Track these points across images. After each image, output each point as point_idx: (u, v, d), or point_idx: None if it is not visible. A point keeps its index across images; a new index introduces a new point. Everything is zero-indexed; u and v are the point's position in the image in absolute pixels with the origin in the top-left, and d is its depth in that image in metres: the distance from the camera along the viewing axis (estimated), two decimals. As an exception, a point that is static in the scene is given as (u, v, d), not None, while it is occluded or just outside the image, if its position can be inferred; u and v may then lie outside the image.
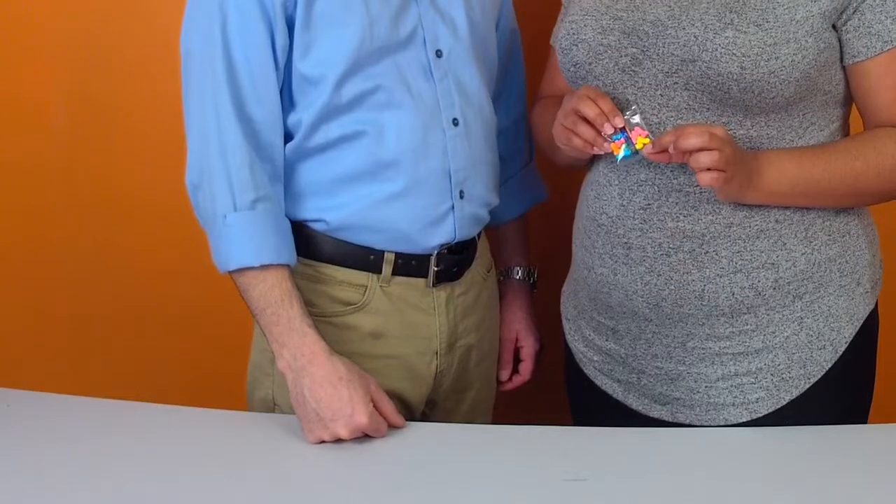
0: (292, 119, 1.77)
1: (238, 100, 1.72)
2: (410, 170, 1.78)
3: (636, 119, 1.66)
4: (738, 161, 1.62)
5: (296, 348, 1.71)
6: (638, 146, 1.66)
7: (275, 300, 1.72)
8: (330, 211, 1.80)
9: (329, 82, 1.74)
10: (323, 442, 1.67)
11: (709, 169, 1.59)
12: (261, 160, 1.74)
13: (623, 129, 1.66)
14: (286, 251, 1.75)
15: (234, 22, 1.71)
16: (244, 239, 1.73)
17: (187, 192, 1.77)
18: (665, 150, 1.63)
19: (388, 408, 1.72)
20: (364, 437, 1.69)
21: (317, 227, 1.82)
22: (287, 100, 1.77)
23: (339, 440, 1.67)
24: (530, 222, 2.13)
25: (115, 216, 2.48)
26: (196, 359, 2.50)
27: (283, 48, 1.74)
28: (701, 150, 1.59)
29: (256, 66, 1.72)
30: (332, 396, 1.67)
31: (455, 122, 1.82)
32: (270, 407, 1.86)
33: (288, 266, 1.74)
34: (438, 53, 1.81)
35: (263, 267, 1.72)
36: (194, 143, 1.75)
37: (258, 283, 1.73)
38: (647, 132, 1.66)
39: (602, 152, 1.70)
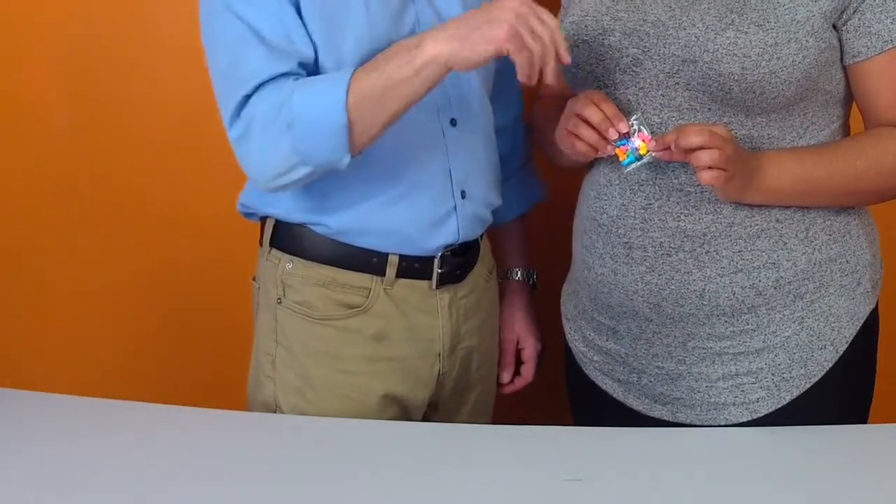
0: None
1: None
2: (411, 172, 1.78)
3: (639, 124, 1.67)
4: (739, 160, 1.62)
5: (430, 35, 1.63)
6: (642, 151, 1.66)
7: (381, 62, 1.66)
8: (331, 215, 1.79)
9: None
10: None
11: (710, 167, 1.59)
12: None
13: (627, 135, 1.67)
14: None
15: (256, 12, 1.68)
16: (322, 85, 1.67)
17: (235, 150, 1.71)
18: (667, 148, 1.63)
19: None
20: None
21: (318, 230, 1.81)
22: None
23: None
24: (530, 222, 2.12)
25: (116, 217, 2.48)
26: (196, 359, 2.50)
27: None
28: (702, 148, 1.59)
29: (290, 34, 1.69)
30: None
31: (453, 123, 1.82)
32: (272, 409, 1.85)
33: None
34: None
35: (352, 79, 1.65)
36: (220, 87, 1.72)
37: (358, 90, 1.64)
38: (650, 136, 1.66)
39: (606, 156, 1.70)
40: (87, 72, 2.43)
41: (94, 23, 2.41)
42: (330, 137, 1.64)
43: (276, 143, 1.66)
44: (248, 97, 1.67)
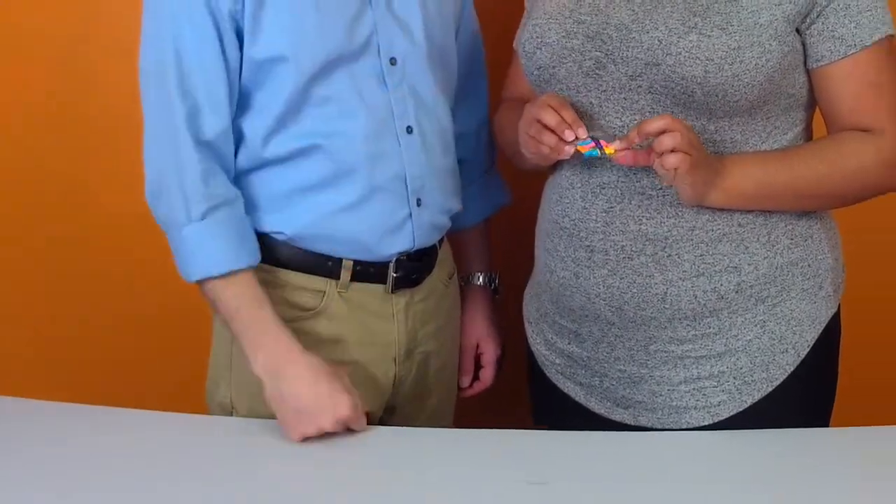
0: (246, 124, 1.78)
1: (192, 114, 1.72)
2: (366, 179, 1.78)
3: (601, 134, 1.67)
4: (701, 149, 1.62)
5: (271, 350, 1.72)
6: (608, 151, 1.66)
7: (243, 305, 1.74)
8: (287, 222, 1.79)
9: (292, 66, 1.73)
10: (307, 439, 1.69)
11: (673, 150, 1.59)
12: (217, 170, 1.74)
13: (589, 139, 1.67)
14: (246, 254, 1.75)
15: (188, 38, 1.71)
16: (202, 249, 1.73)
17: (148, 204, 1.79)
18: (631, 147, 1.63)
19: (360, 402, 1.74)
20: (340, 433, 1.71)
21: (275, 236, 1.81)
22: (243, 102, 1.78)
23: (323, 435, 1.69)
24: (492, 225, 2.12)
25: (116, 217, 2.50)
26: (179, 364, 2.47)
27: (235, 60, 1.73)
28: (664, 132, 1.59)
29: (211, 80, 1.72)
30: (313, 391, 1.69)
31: (409, 130, 1.81)
32: (228, 411, 1.86)
33: (251, 269, 1.75)
34: (393, 61, 1.79)
35: (227, 274, 1.73)
36: (151, 157, 1.78)
37: (223, 291, 1.74)
38: (614, 139, 1.66)
39: (567, 157, 1.70)
40: (86, 72, 2.45)
41: (93, 23, 2.42)
42: (182, 270, 1.78)
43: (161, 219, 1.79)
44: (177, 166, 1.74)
